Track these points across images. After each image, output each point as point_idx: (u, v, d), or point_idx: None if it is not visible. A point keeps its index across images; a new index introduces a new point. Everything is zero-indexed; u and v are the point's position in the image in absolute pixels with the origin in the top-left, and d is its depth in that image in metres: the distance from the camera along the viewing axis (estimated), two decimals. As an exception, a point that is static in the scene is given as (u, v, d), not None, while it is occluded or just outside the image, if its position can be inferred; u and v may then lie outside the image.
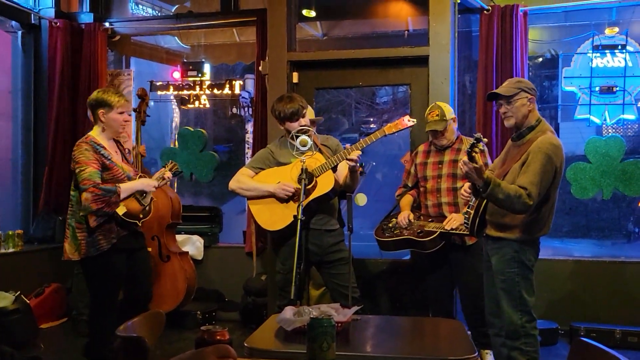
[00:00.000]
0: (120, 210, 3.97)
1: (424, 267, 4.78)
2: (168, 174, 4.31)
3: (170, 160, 4.48)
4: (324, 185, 4.02)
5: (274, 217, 4.10)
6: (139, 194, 4.10)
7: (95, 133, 4.07)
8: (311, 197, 3.99)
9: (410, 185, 4.75)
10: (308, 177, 3.92)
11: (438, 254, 4.46)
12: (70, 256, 3.97)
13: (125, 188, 3.99)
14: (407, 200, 4.71)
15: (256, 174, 4.24)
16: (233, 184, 4.27)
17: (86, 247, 3.91)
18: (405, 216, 4.56)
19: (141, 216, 4.12)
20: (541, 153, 3.46)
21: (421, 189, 4.65)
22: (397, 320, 3.36)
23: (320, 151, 4.12)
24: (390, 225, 4.65)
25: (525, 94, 3.61)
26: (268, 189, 4.11)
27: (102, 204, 3.84)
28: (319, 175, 4.02)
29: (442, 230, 4.34)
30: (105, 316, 4.04)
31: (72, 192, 3.99)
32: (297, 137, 3.93)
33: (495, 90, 3.76)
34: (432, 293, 4.80)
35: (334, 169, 4.07)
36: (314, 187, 4.01)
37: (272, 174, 4.19)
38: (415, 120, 4.03)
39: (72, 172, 3.97)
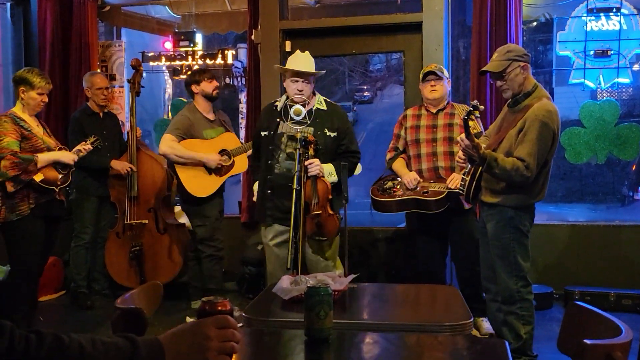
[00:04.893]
0: (38, 177, 4.25)
1: (417, 231, 4.71)
2: (87, 146, 4.61)
3: (93, 135, 4.81)
4: (241, 166, 5.03)
5: (202, 184, 4.89)
6: (60, 166, 4.39)
7: (17, 108, 4.39)
8: (230, 174, 4.96)
9: (400, 149, 4.67)
10: (227, 154, 4.91)
11: (432, 218, 4.41)
12: None
13: (43, 158, 4.29)
14: (401, 163, 4.62)
15: (179, 141, 4.89)
16: (168, 150, 4.87)
17: (5, 212, 4.21)
18: (413, 177, 4.44)
19: (59, 183, 4.39)
20: (537, 121, 3.45)
21: (412, 152, 4.57)
22: (393, 288, 3.38)
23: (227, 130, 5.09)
24: (387, 186, 4.58)
25: (517, 63, 3.57)
26: (199, 158, 4.87)
27: (18, 171, 4.16)
28: (236, 155, 4.94)
29: (449, 190, 4.26)
30: (24, 280, 4.37)
31: None
32: (290, 106, 3.91)
33: (485, 68, 3.72)
34: (422, 258, 4.72)
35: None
36: (232, 165, 4.95)
37: (197, 145, 4.91)
38: None
39: None
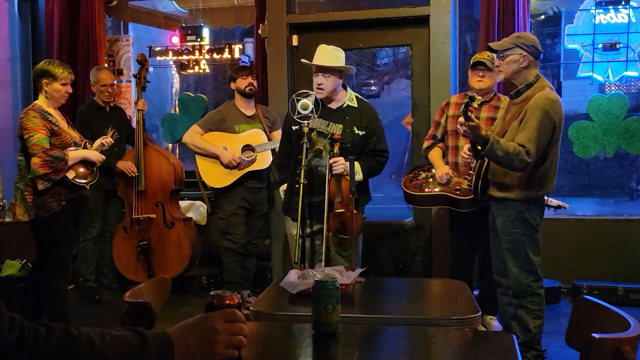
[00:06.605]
0: (70, 174, 4.18)
1: (450, 226, 4.58)
2: (108, 139, 4.54)
3: (111, 128, 4.95)
4: (263, 162, 5.03)
5: (218, 176, 5.03)
6: (88, 163, 4.31)
7: (41, 101, 4.23)
8: (250, 169, 4.97)
9: (439, 137, 4.51)
10: (251, 150, 4.95)
11: (465, 214, 4.27)
12: (20, 218, 4.20)
13: (73, 156, 4.19)
14: (437, 153, 4.46)
15: (205, 132, 5.06)
16: (187, 139, 5.09)
17: (35, 209, 4.12)
18: (445, 172, 4.31)
19: (89, 179, 4.35)
20: (538, 109, 3.43)
21: (450, 143, 4.42)
22: (401, 282, 3.38)
23: (261, 122, 5.16)
24: (420, 178, 4.45)
25: (520, 50, 3.54)
26: (215, 152, 4.98)
27: (49, 169, 4.05)
28: (260, 151, 4.99)
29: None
30: (60, 275, 4.31)
31: (19, 158, 4.20)
32: (298, 100, 3.91)
33: (490, 44, 3.72)
34: (455, 256, 4.56)
35: (274, 151, 4.87)
36: (253, 160, 4.98)
37: (221, 137, 5.05)
38: None
39: (20, 137, 4.17)
